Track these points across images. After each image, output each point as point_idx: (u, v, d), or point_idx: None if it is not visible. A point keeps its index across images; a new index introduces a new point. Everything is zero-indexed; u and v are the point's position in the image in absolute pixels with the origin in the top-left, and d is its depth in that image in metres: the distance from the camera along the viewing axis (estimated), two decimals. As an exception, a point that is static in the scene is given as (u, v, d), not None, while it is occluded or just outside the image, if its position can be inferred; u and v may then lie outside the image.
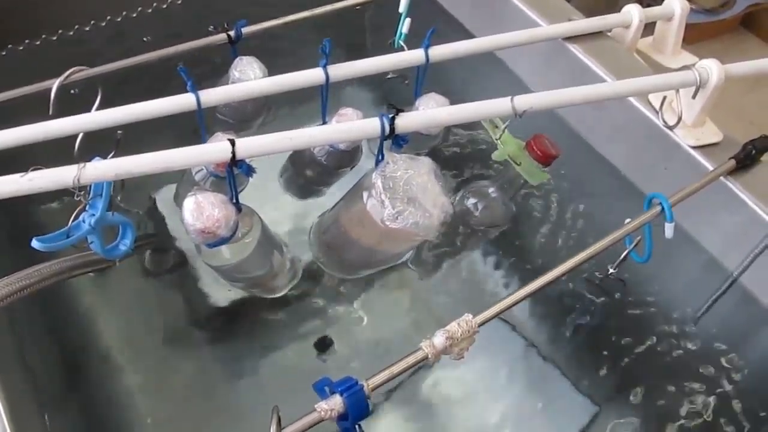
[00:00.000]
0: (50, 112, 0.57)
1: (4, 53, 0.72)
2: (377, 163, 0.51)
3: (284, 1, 0.71)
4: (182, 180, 0.65)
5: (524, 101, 0.51)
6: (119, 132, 0.58)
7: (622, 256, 0.57)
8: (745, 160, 0.58)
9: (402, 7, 0.68)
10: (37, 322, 0.63)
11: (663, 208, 0.51)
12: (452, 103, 0.62)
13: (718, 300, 0.64)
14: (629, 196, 0.66)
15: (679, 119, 0.60)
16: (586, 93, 0.53)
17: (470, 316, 0.43)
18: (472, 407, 0.64)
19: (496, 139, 0.57)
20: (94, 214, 0.46)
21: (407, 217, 0.50)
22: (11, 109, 0.57)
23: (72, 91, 0.58)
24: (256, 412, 0.61)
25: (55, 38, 0.74)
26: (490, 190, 0.63)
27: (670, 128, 0.61)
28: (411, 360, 0.41)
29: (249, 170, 0.48)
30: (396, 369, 0.40)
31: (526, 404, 0.64)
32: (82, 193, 0.45)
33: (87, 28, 0.76)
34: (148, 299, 0.69)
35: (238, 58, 0.65)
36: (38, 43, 0.73)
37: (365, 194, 0.51)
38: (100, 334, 0.66)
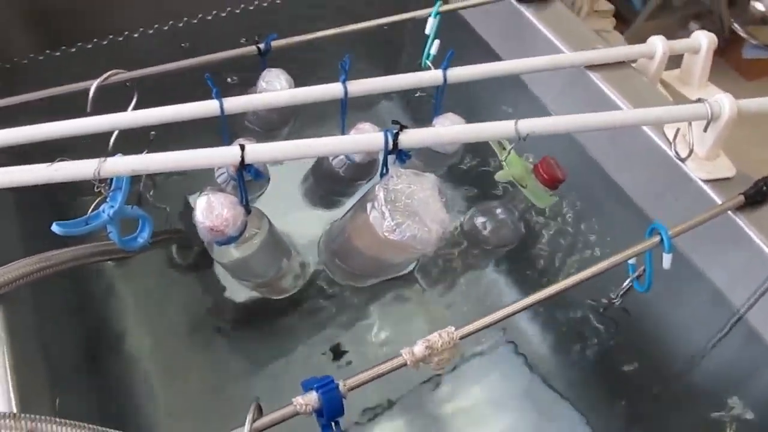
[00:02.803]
0: (88, 110, 0.61)
1: (57, 54, 0.77)
2: (381, 176, 0.53)
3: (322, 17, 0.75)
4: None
5: (527, 125, 0.52)
6: (152, 133, 0.62)
7: (625, 285, 0.57)
8: (755, 197, 0.57)
9: (428, 29, 0.70)
10: (59, 303, 0.67)
11: (662, 239, 0.51)
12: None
13: (724, 338, 0.63)
14: (639, 224, 0.66)
15: (691, 152, 0.59)
16: (591, 120, 0.54)
17: (452, 328, 0.44)
18: (472, 429, 0.65)
19: (502, 161, 0.58)
20: (113, 206, 0.50)
21: (405, 229, 0.52)
22: (55, 105, 0.61)
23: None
24: (268, 408, 0.63)
25: (105, 42, 0.79)
26: (498, 210, 0.65)
27: (682, 160, 0.60)
28: (389, 365, 0.42)
29: (257, 175, 0.51)
30: (374, 372, 0.42)
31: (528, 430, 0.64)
32: (103, 185, 0.49)
33: (136, 35, 0.80)
34: (169, 291, 0.72)
35: (266, 70, 0.68)
36: (89, 46, 0.78)
37: (369, 205, 0.54)
38: (120, 321, 0.69)
